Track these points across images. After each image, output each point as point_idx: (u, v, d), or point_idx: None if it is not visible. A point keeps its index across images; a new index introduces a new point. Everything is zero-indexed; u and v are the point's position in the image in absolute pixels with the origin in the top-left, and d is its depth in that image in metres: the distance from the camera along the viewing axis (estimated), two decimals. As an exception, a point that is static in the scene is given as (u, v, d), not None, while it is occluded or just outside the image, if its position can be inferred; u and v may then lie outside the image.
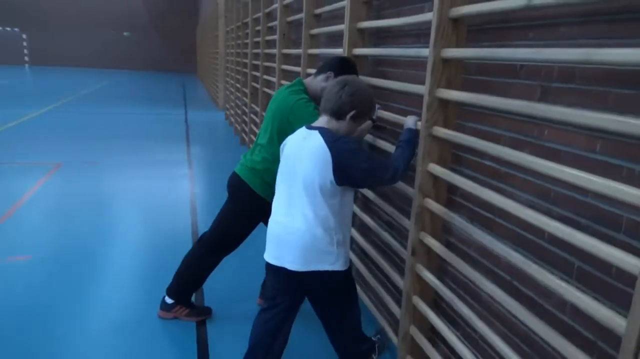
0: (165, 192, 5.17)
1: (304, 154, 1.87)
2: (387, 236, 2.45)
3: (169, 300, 2.74)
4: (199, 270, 2.71)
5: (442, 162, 1.94)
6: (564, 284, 1.28)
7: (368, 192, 2.74)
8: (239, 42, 8.08)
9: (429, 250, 2.01)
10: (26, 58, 26.34)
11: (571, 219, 1.40)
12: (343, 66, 2.46)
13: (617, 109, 1.26)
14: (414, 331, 2.11)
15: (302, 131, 1.95)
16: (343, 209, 1.90)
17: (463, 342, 1.83)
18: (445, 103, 1.88)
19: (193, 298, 2.84)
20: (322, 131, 1.86)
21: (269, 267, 1.99)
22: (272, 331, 2.02)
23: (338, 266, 1.91)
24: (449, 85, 1.85)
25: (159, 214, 4.51)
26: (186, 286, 2.72)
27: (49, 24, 26.00)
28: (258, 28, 6.12)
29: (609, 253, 1.12)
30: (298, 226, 1.86)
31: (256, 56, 6.31)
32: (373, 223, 2.67)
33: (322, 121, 1.95)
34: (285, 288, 2.01)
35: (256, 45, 6.35)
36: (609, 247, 1.13)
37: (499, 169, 1.73)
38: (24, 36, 26.09)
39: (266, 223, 2.63)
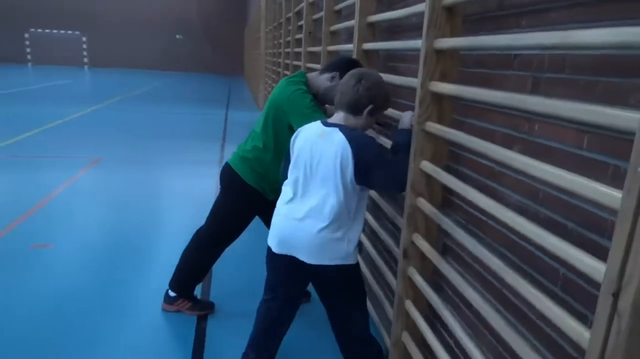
0: (192, 190, 5.26)
1: (324, 151, 1.82)
2: (384, 234, 2.35)
3: (171, 293, 2.76)
4: (198, 264, 2.71)
5: (436, 160, 1.83)
6: (534, 291, 1.15)
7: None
8: (274, 42, 8.15)
9: (422, 253, 1.90)
10: (85, 60, 27.76)
11: (558, 223, 1.27)
12: (350, 68, 2.38)
13: (604, 100, 1.13)
14: (406, 338, 2.01)
15: (317, 127, 1.90)
16: (359, 208, 1.87)
17: (451, 355, 1.71)
18: (439, 97, 1.77)
19: (199, 292, 2.85)
20: (342, 129, 1.82)
21: (274, 256, 1.95)
22: (273, 321, 2.05)
23: (349, 260, 1.89)
24: (443, 78, 1.74)
25: (182, 210, 4.59)
26: (186, 280, 2.72)
27: (107, 27, 27.30)
28: (290, 28, 6.14)
29: (580, 260, 0.99)
30: (313, 223, 1.83)
31: (287, 55, 6.34)
32: (373, 220, 2.58)
33: (339, 117, 1.90)
34: (289, 278, 1.99)
35: (287, 44, 6.37)
36: (581, 254, 1.01)
37: (493, 168, 1.61)
38: (84, 39, 27.53)
39: (263, 218, 2.61)
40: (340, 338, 2.06)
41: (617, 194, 0.86)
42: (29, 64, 26.72)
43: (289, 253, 1.90)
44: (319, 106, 2.34)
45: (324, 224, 1.82)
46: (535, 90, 1.40)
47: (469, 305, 1.70)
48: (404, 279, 1.98)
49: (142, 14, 27.67)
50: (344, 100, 1.87)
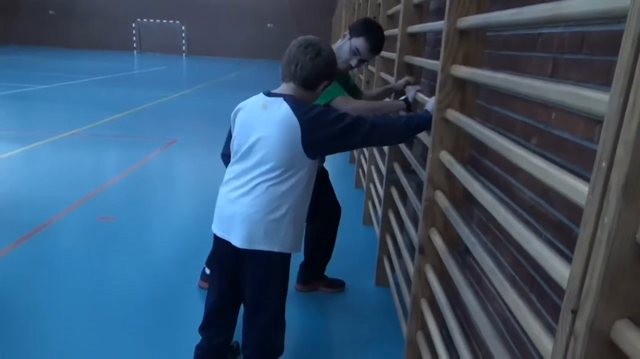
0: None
1: (265, 124, 1.66)
2: (409, 225, 2.23)
3: (207, 271, 2.84)
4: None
5: (457, 152, 1.68)
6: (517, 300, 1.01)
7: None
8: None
9: (437, 251, 1.77)
10: (184, 48, 29.50)
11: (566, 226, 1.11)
12: (361, 25, 2.36)
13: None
14: (421, 339, 1.89)
15: (258, 98, 1.75)
16: (300, 187, 1.69)
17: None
18: (461, 82, 1.62)
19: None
20: (288, 99, 1.67)
21: (216, 239, 1.83)
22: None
23: (285, 248, 1.72)
24: (466, 62, 1.59)
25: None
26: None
27: (204, 17, 28.76)
28: (360, 14, 6.01)
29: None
30: (248, 201, 1.68)
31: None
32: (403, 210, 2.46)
33: (287, 87, 1.74)
34: (227, 265, 1.83)
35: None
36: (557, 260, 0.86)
37: (509, 162, 1.44)
38: (183, 28, 29.25)
39: None
40: (249, 325, 1.85)
41: (583, 188, 0.72)
42: (135, 52, 28.95)
43: (226, 238, 1.75)
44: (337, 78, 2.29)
45: (258, 203, 1.66)
46: (555, 73, 1.22)
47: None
48: (420, 276, 1.86)
49: (237, 4, 28.78)
50: (299, 74, 1.69)
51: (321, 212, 2.58)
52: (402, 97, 2.32)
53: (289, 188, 1.67)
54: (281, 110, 1.65)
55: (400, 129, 1.79)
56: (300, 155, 1.65)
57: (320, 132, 1.64)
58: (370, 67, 4.09)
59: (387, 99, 2.81)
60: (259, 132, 1.67)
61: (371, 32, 2.35)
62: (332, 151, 1.82)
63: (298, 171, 1.67)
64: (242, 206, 1.70)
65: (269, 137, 1.65)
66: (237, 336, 2.01)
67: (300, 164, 1.67)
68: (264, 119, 1.68)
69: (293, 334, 2.47)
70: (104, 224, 3.68)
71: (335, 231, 2.79)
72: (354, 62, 2.37)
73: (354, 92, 2.58)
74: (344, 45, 2.36)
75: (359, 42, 2.34)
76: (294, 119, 1.62)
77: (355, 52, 2.35)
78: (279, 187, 1.67)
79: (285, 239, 1.71)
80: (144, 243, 3.41)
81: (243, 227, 1.69)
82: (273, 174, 1.66)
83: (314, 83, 1.73)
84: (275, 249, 1.71)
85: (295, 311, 2.70)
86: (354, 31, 2.36)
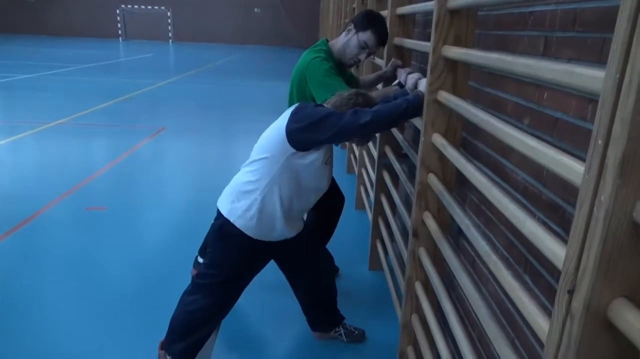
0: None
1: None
2: (402, 209, 2.23)
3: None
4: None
5: (449, 134, 1.67)
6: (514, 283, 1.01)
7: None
8: (338, 13, 7.97)
9: (431, 234, 1.77)
10: (170, 34, 29.04)
11: (559, 206, 1.11)
12: (365, 18, 2.31)
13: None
14: (416, 322, 1.90)
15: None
16: (276, 175, 1.77)
17: (449, 346, 1.59)
18: (452, 64, 1.60)
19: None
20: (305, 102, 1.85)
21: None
22: None
23: (242, 225, 1.82)
24: (457, 42, 1.57)
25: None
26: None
27: (190, 3, 28.26)
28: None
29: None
30: (241, 176, 1.89)
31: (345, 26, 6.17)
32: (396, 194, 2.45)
33: None
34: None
35: (346, 14, 6.20)
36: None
37: (502, 143, 1.43)
38: (169, 14, 28.75)
39: None
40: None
41: (579, 167, 0.71)
42: (120, 39, 28.44)
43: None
44: (339, 72, 2.26)
45: (241, 179, 1.86)
46: (547, 52, 1.21)
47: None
48: (414, 260, 1.86)
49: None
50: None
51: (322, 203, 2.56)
52: (395, 82, 2.30)
53: (267, 170, 1.78)
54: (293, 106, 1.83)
55: (391, 118, 1.79)
56: (282, 140, 1.73)
57: (300, 121, 1.72)
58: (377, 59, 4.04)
59: (381, 88, 2.78)
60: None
61: (377, 24, 2.31)
62: (313, 139, 1.75)
63: (277, 157, 1.75)
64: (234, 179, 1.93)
65: (269, 132, 1.84)
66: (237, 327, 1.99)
67: (282, 150, 1.74)
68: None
69: (288, 320, 2.48)
70: (93, 214, 3.64)
71: (334, 223, 2.74)
72: (362, 56, 2.34)
73: (353, 81, 2.56)
74: (351, 41, 2.32)
75: (366, 35, 2.30)
76: (292, 109, 1.76)
77: (364, 46, 2.31)
78: (258, 165, 1.80)
79: (245, 216, 1.81)
80: (133, 233, 3.39)
81: (225, 192, 1.93)
82: (258, 155, 1.81)
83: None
84: (223, 213, 1.84)
85: (289, 296, 2.70)
86: (359, 25, 2.31)
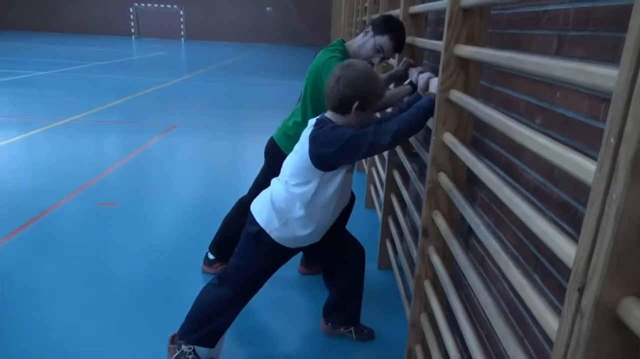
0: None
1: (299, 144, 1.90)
2: (412, 208, 2.23)
3: (210, 256, 2.86)
4: (237, 230, 2.75)
5: (460, 133, 1.67)
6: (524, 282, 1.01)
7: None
8: (350, 12, 7.97)
9: (440, 233, 1.77)
10: (182, 33, 29.21)
11: (570, 205, 1.10)
12: (385, 23, 2.30)
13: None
14: (424, 321, 1.90)
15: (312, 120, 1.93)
16: (310, 194, 1.85)
17: (459, 346, 1.59)
18: (465, 62, 1.60)
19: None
20: (319, 120, 1.85)
21: None
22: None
23: (269, 228, 1.91)
24: (470, 41, 1.56)
25: (248, 177, 4.71)
26: (225, 245, 2.79)
27: (202, 1, 28.39)
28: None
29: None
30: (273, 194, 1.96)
31: (358, 25, 6.17)
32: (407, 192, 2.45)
33: (328, 112, 1.90)
34: None
35: (358, 13, 6.20)
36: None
37: (513, 142, 1.43)
38: (181, 12, 28.92)
39: None
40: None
41: (590, 165, 0.71)
42: (133, 37, 28.68)
43: None
44: None
45: (282, 196, 1.90)
46: (560, 51, 1.20)
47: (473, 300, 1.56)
48: (424, 258, 1.86)
49: (235, -14, 28.39)
50: (329, 103, 1.84)
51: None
52: (407, 82, 2.30)
53: (301, 193, 1.86)
54: (308, 129, 1.86)
55: (411, 131, 1.84)
56: (310, 166, 1.81)
57: (323, 147, 1.78)
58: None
59: (393, 89, 2.78)
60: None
61: (395, 30, 2.32)
62: (338, 162, 1.84)
63: (309, 181, 1.84)
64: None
65: (295, 151, 1.91)
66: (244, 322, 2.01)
67: (312, 174, 1.83)
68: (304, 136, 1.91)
69: (296, 318, 2.49)
70: (105, 210, 3.68)
71: (344, 222, 2.68)
72: (376, 60, 2.35)
73: None
74: (367, 43, 2.33)
75: (383, 40, 2.31)
76: (309, 135, 1.82)
77: (379, 49, 2.33)
78: (293, 189, 1.87)
79: (282, 229, 1.91)
80: (145, 229, 3.42)
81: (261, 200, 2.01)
82: (291, 180, 1.89)
83: (344, 106, 1.81)
84: (260, 223, 1.92)
85: (298, 295, 2.72)
86: (377, 29, 2.32)
